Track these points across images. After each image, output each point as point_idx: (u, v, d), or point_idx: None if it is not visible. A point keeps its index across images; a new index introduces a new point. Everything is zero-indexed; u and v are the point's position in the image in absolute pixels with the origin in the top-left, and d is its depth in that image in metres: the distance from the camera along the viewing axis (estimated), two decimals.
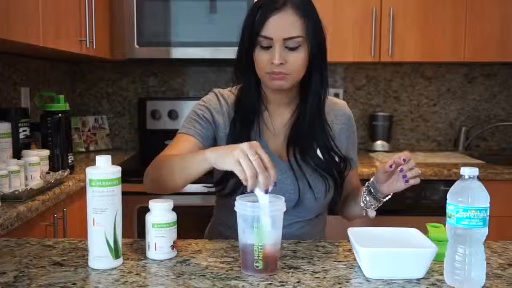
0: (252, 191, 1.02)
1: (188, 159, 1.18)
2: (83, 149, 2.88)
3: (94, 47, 2.33)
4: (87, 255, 1.06)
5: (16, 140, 1.92)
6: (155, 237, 1.09)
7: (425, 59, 2.80)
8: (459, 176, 0.96)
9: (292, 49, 1.27)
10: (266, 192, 1.01)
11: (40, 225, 1.68)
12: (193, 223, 2.30)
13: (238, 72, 1.38)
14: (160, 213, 1.10)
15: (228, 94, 1.43)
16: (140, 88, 3.09)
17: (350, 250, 1.15)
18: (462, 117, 3.12)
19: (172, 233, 1.11)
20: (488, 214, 0.94)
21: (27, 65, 2.50)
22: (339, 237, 1.28)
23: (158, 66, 3.07)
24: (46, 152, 1.97)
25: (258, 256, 1.00)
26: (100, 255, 1.03)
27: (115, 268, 1.04)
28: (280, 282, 0.97)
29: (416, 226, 1.14)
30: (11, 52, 2.23)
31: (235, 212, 1.04)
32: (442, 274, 1.00)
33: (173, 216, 1.11)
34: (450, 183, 1.03)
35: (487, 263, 1.07)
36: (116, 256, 1.05)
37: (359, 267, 1.04)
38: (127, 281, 0.97)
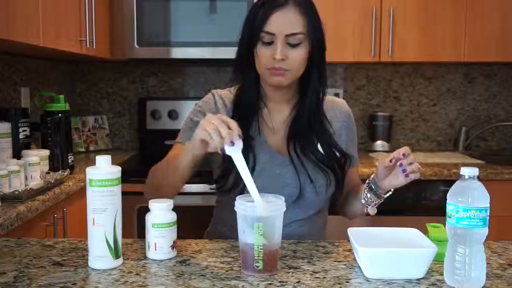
0: (225, 155, 1.09)
1: (175, 158, 1.24)
2: (83, 149, 2.88)
3: (94, 47, 2.33)
4: (87, 255, 1.06)
5: (16, 140, 1.92)
6: (155, 237, 1.09)
7: (425, 59, 2.80)
8: (459, 176, 0.96)
9: (293, 45, 1.29)
10: (233, 144, 1.07)
11: (40, 225, 1.68)
12: (193, 223, 2.29)
13: (238, 69, 1.40)
14: (160, 213, 1.11)
15: (227, 93, 1.45)
16: (140, 88, 3.09)
17: (350, 250, 1.15)
18: (462, 117, 3.12)
19: (172, 233, 1.11)
20: (488, 214, 0.94)
21: (27, 65, 2.50)
22: (339, 237, 1.28)
23: (158, 66, 3.07)
24: (46, 152, 1.97)
25: (258, 256, 1.00)
26: (100, 255, 1.03)
27: (115, 268, 1.04)
28: (280, 282, 0.97)
29: (416, 226, 1.14)
30: (11, 52, 2.23)
31: (235, 210, 1.04)
32: (442, 274, 1.00)
33: (173, 216, 1.12)
34: (450, 183, 1.03)
35: (487, 263, 1.07)
36: (116, 256, 1.05)
37: (359, 267, 1.04)
38: (127, 281, 0.97)
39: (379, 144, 2.97)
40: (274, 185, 1.30)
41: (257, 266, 1.00)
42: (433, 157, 2.77)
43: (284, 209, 1.04)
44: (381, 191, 1.29)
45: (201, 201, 2.35)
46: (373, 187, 1.30)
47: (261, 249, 1.00)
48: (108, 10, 2.60)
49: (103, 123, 3.04)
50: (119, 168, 1.06)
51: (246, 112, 1.37)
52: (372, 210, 1.33)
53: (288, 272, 1.02)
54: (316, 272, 1.02)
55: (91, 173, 1.03)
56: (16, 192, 1.60)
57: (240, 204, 1.03)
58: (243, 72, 1.38)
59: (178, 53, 2.65)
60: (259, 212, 1.00)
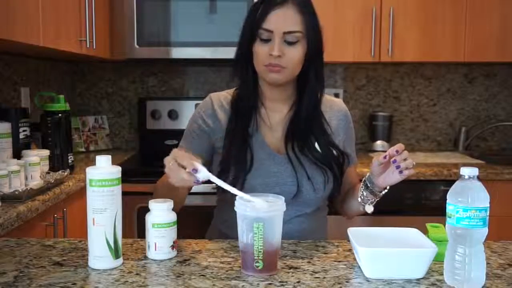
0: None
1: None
2: (83, 149, 2.88)
3: (94, 47, 2.33)
4: (87, 255, 1.06)
5: (16, 140, 1.92)
6: (155, 237, 1.09)
7: (425, 59, 2.80)
8: (459, 176, 0.96)
9: (291, 43, 1.31)
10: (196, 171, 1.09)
11: (40, 225, 1.68)
12: (193, 223, 2.30)
13: (237, 67, 1.41)
14: (160, 213, 1.11)
15: (225, 95, 1.46)
16: (140, 88, 3.09)
17: (350, 250, 1.15)
18: (462, 117, 3.12)
19: (172, 233, 1.11)
20: (488, 214, 0.94)
21: (27, 65, 2.50)
22: (339, 237, 1.28)
23: (158, 66, 3.07)
24: (46, 152, 1.97)
25: (258, 256, 1.00)
26: (100, 255, 1.03)
27: (115, 268, 1.04)
28: (280, 282, 0.97)
29: (416, 226, 1.14)
30: (11, 52, 2.23)
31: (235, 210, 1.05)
32: (442, 274, 1.00)
33: (173, 216, 1.12)
34: (450, 183, 1.03)
35: (487, 263, 1.07)
36: (116, 256, 1.05)
37: (359, 267, 1.04)
38: (127, 281, 0.97)
39: (379, 144, 2.97)
40: (271, 183, 1.33)
41: (257, 266, 1.00)
42: (433, 157, 2.77)
43: (284, 209, 1.04)
44: (377, 189, 1.30)
45: (201, 201, 2.35)
46: (368, 185, 1.31)
47: (261, 249, 1.00)
48: (108, 10, 2.60)
49: (103, 123, 3.04)
50: (119, 168, 1.06)
51: (244, 111, 1.39)
52: (369, 208, 1.34)
53: (288, 272, 1.02)
54: (316, 272, 1.02)
55: (91, 173, 1.03)
56: (16, 192, 1.60)
57: (240, 204, 1.03)
58: (242, 70, 1.40)
59: (178, 53, 2.65)
60: (261, 209, 1.00)
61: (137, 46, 2.64)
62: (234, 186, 1.28)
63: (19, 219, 1.49)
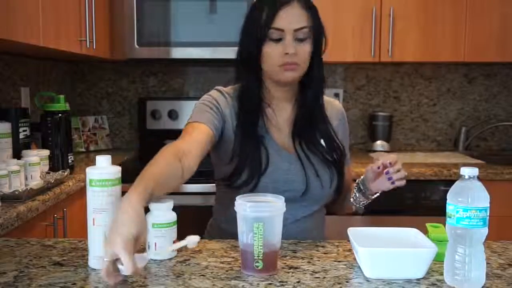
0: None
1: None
2: (83, 149, 2.88)
3: (94, 47, 2.33)
4: (87, 255, 1.06)
5: (16, 140, 1.92)
6: (155, 237, 1.09)
7: (425, 59, 2.80)
8: (459, 176, 0.96)
9: (301, 40, 1.32)
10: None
11: (40, 225, 1.68)
12: (193, 223, 2.29)
13: (241, 68, 1.41)
14: (160, 213, 1.11)
15: (230, 91, 1.46)
16: (140, 88, 3.09)
17: (350, 250, 1.15)
18: (462, 117, 3.12)
19: (172, 233, 1.11)
20: (488, 214, 0.94)
21: (27, 65, 2.50)
22: (339, 237, 1.28)
23: (158, 66, 3.07)
24: (46, 152, 1.97)
25: (258, 256, 1.00)
26: (100, 255, 1.03)
27: None
28: (280, 282, 0.97)
29: (416, 226, 1.14)
30: (11, 52, 2.23)
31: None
32: (442, 274, 1.00)
33: (173, 216, 1.12)
34: (450, 183, 1.03)
35: (487, 263, 1.07)
36: None
37: (359, 267, 1.04)
38: (127, 281, 0.97)
39: (379, 144, 2.97)
40: (281, 181, 1.34)
41: (257, 266, 1.00)
42: (433, 157, 2.77)
43: (284, 209, 1.04)
44: (368, 192, 1.37)
45: (201, 201, 2.35)
46: (361, 187, 1.38)
47: (261, 249, 1.00)
48: (108, 10, 2.60)
49: (103, 123, 3.04)
50: (119, 168, 1.06)
51: (251, 112, 1.39)
52: (360, 209, 1.41)
53: (288, 272, 1.03)
54: (316, 272, 1.03)
55: (91, 173, 1.03)
56: (16, 192, 1.60)
57: (240, 204, 1.03)
58: (248, 72, 1.39)
59: (178, 53, 2.65)
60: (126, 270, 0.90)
61: (137, 46, 2.64)
62: (247, 185, 1.32)
63: (19, 219, 1.49)
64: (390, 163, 1.26)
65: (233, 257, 1.11)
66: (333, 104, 1.50)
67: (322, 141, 1.41)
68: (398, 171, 1.27)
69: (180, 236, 1.15)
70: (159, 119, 2.93)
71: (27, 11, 1.77)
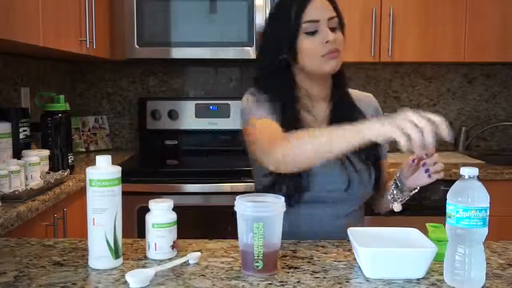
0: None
1: (340, 136, 1.11)
2: (83, 149, 2.88)
3: (94, 47, 2.33)
4: (87, 255, 1.06)
5: (16, 140, 1.92)
6: (155, 237, 1.09)
7: (425, 59, 2.80)
8: (459, 176, 0.96)
9: (334, 29, 1.34)
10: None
11: (40, 225, 1.68)
12: (193, 223, 2.30)
13: (269, 79, 1.37)
14: (160, 213, 1.11)
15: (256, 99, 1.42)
16: (140, 88, 3.09)
17: (350, 250, 1.15)
18: (462, 117, 3.12)
19: (172, 233, 1.11)
20: (488, 214, 0.94)
21: (27, 65, 2.50)
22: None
23: (158, 66, 3.07)
24: (46, 152, 1.97)
25: (258, 256, 1.00)
26: (100, 255, 1.04)
27: (115, 268, 1.04)
28: (280, 282, 0.97)
29: (416, 226, 1.14)
30: (11, 52, 2.23)
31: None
32: (442, 274, 1.00)
33: (173, 216, 1.12)
34: (450, 183, 1.02)
35: (487, 263, 1.07)
36: (116, 256, 1.05)
37: (359, 267, 1.04)
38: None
39: None
40: (324, 182, 1.33)
41: (257, 266, 1.00)
42: None
43: (284, 209, 1.04)
44: (406, 188, 1.33)
45: (201, 201, 2.35)
46: (399, 184, 1.33)
47: (261, 249, 1.00)
48: (108, 10, 2.60)
49: (103, 123, 3.04)
50: (119, 168, 1.06)
51: (291, 115, 1.35)
52: (397, 207, 1.36)
53: (288, 272, 1.03)
54: (316, 272, 1.03)
55: (91, 173, 1.03)
56: (16, 192, 1.60)
57: (240, 204, 1.03)
58: (283, 73, 1.37)
59: (178, 53, 2.65)
60: None
61: (137, 46, 2.64)
62: (290, 199, 1.29)
63: (19, 219, 1.49)
64: (426, 155, 1.21)
65: (233, 257, 1.11)
66: (367, 97, 1.51)
67: None
68: (435, 163, 1.23)
69: (180, 236, 1.15)
70: (159, 119, 2.93)
71: (27, 11, 1.77)
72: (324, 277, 1.00)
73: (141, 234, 1.19)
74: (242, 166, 2.37)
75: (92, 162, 1.05)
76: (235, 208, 1.03)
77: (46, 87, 2.70)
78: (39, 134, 2.12)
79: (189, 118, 2.92)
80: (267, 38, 1.39)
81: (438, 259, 1.03)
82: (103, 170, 1.04)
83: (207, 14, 2.63)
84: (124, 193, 1.07)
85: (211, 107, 2.92)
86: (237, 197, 1.05)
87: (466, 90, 3.11)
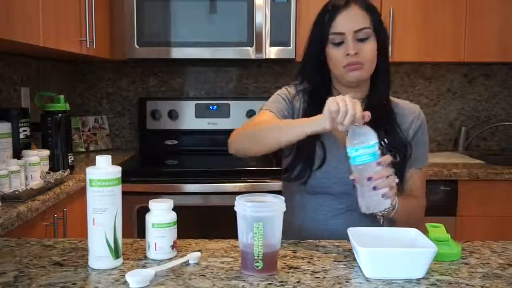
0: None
1: (301, 123, 1.27)
2: (83, 149, 2.88)
3: (94, 47, 2.33)
4: (87, 255, 1.06)
5: (16, 140, 1.92)
6: (155, 237, 1.09)
7: (425, 59, 2.80)
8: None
9: (363, 40, 1.36)
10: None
11: (40, 225, 1.68)
12: (193, 223, 2.30)
13: (308, 71, 1.46)
14: (160, 213, 1.11)
15: (302, 86, 1.49)
16: (140, 88, 3.09)
17: (350, 250, 1.15)
18: (462, 117, 3.12)
19: (172, 233, 1.11)
20: (376, 148, 1.14)
21: (27, 65, 2.50)
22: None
23: (158, 66, 3.07)
24: (46, 152, 1.97)
25: (258, 256, 1.00)
26: (100, 255, 1.04)
27: (115, 268, 1.04)
28: (280, 282, 0.97)
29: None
30: (11, 52, 2.23)
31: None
32: (442, 274, 1.00)
33: (173, 216, 1.12)
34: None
35: (487, 263, 1.07)
36: (116, 256, 1.05)
37: (359, 267, 1.04)
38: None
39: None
40: (334, 171, 1.39)
41: (257, 266, 1.00)
42: (433, 157, 2.76)
43: (284, 209, 1.04)
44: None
45: (201, 201, 2.35)
46: None
47: (261, 249, 1.00)
48: (108, 10, 2.60)
49: (103, 123, 3.04)
50: (119, 168, 1.06)
51: (317, 109, 1.34)
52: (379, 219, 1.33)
53: (288, 272, 1.03)
54: (316, 272, 1.03)
55: (91, 173, 1.03)
56: (17, 192, 1.60)
57: (240, 204, 1.03)
58: (314, 74, 1.44)
59: (178, 53, 2.65)
60: None
61: (137, 46, 2.64)
62: (300, 178, 1.40)
63: (19, 219, 1.49)
64: (356, 125, 1.17)
65: (233, 257, 1.11)
66: (408, 106, 1.50)
67: (386, 141, 1.38)
68: (388, 176, 1.17)
69: (180, 236, 1.15)
70: (159, 119, 2.93)
71: (27, 11, 1.77)
72: (324, 277, 1.00)
73: (141, 234, 1.19)
74: (242, 166, 2.37)
75: (92, 162, 1.05)
76: (235, 208, 1.03)
77: (46, 87, 2.70)
78: (39, 134, 2.12)
79: (189, 118, 2.92)
80: (309, 41, 1.45)
81: (438, 259, 1.03)
82: (103, 170, 1.04)
83: (207, 14, 2.63)
84: (124, 193, 1.07)
85: (211, 107, 2.92)
86: (237, 197, 1.05)
87: (466, 90, 3.11)
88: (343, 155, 1.33)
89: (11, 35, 1.66)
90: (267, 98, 1.53)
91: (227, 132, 1.45)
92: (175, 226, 1.12)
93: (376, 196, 1.17)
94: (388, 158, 1.18)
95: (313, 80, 1.45)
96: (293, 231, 1.40)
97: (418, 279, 0.99)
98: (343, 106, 1.12)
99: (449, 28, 2.71)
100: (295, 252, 1.15)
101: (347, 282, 0.98)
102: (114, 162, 1.08)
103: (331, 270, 1.04)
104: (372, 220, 1.34)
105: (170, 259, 1.09)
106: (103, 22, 2.53)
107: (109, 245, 1.03)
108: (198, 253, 1.09)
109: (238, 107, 2.91)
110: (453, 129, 3.12)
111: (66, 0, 2.12)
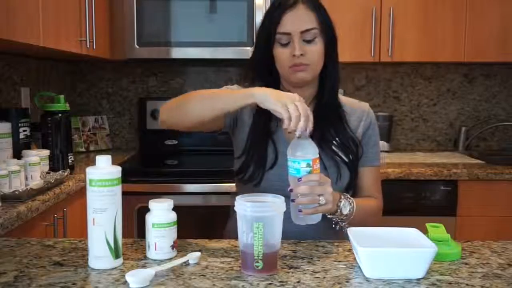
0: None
1: (229, 93, 1.27)
2: (83, 149, 2.88)
3: (94, 47, 2.33)
4: (87, 255, 1.06)
5: (16, 140, 1.92)
6: (155, 237, 1.10)
7: (425, 59, 2.80)
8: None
9: (309, 41, 1.35)
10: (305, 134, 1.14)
11: (40, 225, 1.68)
12: (193, 223, 2.30)
13: (257, 70, 1.44)
14: (160, 213, 1.11)
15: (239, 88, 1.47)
16: (140, 88, 3.09)
17: (350, 250, 1.15)
18: (462, 117, 3.12)
19: (172, 233, 1.11)
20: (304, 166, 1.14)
21: (27, 65, 2.50)
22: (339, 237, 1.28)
23: (158, 66, 3.07)
24: (46, 152, 1.97)
25: (258, 256, 1.00)
26: (100, 255, 1.04)
27: (115, 268, 1.04)
28: (280, 282, 0.97)
29: (416, 226, 1.14)
30: (11, 52, 2.23)
31: None
32: (442, 274, 1.00)
33: (173, 216, 1.12)
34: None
35: (487, 263, 1.07)
36: (116, 256, 1.05)
37: (359, 267, 1.04)
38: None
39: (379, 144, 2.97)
40: (284, 171, 1.32)
41: (257, 266, 1.00)
42: (433, 157, 2.77)
43: (284, 209, 1.04)
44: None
45: (201, 201, 2.35)
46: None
47: (261, 249, 1.00)
48: (108, 10, 2.60)
49: (103, 123, 3.04)
50: (119, 168, 1.06)
51: (266, 111, 1.35)
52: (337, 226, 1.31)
53: (288, 272, 1.03)
54: (316, 272, 1.03)
55: (91, 173, 1.03)
56: (16, 192, 1.60)
57: (240, 204, 1.03)
58: (263, 73, 1.42)
59: (178, 53, 2.65)
60: None
61: (137, 46, 2.64)
62: (252, 180, 1.36)
63: (19, 219, 1.49)
64: (299, 137, 1.16)
65: (233, 257, 1.11)
66: (357, 105, 1.49)
67: (336, 139, 1.38)
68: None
69: (180, 236, 1.15)
70: (159, 119, 2.92)
71: (27, 11, 1.77)
72: (324, 277, 1.00)
73: (141, 234, 1.19)
74: None
75: (92, 162, 1.05)
76: (235, 208, 1.03)
77: (46, 87, 2.70)
78: (39, 134, 2.12)
79: None
80: (256, 39, 1.43)
81: (438, 259, 1.03)
82: (103, 170, 1.04)
83: (207, 14, 2.63)
84: (124, 193, 1.07)
85: None
86: (237, 197, 1.05)
87: (466, 90, 3.11)
88: None
89: (11, 35, 1.66)
90: None
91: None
92: (175, 226, 1.12)
93: (294, 209, 1.18)
94: (312, 177, 1.15)
95: (261, 79, 1.41)
96: None
97: (418, 279, 0.99)
98: (301, 111, 1.13)
99: (449, 28, 2.71)
100: (295, 252, 1.15)
101: (347, 282, 0.98)
102: (114, 162, 1.08)
103: (331, 270, 1.04)
104: (326, 225, 1.29)
105: (170, 259, 1.09)
106: (103, 22, 2.53)
107: (109, 245, 1.03)
108: (198, 253, 1.09)
109: None
110: (453, 129, 3.12)
111: (66, 0, 2.12)
